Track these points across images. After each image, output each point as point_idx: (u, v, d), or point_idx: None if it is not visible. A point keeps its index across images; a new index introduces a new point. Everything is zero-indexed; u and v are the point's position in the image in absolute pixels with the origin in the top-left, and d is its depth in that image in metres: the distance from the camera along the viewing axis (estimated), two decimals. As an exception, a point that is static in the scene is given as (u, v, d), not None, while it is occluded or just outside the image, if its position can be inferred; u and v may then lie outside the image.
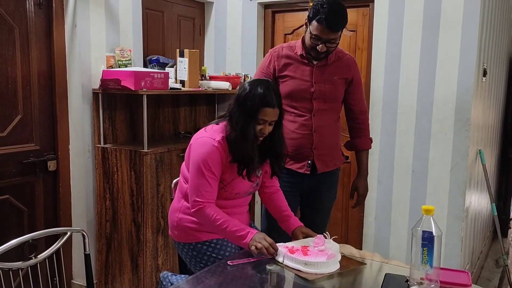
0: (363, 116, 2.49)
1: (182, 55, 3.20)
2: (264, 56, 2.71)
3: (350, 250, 1.97)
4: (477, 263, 3.77)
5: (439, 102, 3.05)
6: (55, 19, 2.79)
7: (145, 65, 3.31)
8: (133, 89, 2.74)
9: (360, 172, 2.52)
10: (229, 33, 3.84)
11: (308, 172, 2.37)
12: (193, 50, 3.25)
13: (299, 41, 2.35)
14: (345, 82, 2.38)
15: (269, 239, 1.81)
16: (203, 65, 3.84)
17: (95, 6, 2.91)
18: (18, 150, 2.69)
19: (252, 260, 1.80)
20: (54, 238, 1.89)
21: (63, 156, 2.93)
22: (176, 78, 3.25)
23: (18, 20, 2.62)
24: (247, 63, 3.77)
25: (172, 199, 2.15)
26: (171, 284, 1.90)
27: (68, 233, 1.88)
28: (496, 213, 3.67)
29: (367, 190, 2.55)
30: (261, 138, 1.91)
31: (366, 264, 1.85)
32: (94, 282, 3.05)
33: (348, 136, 2.54)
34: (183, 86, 3.20)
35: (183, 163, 2.04)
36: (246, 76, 3.65)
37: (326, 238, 1.85)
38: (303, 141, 2.34)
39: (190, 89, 3.21)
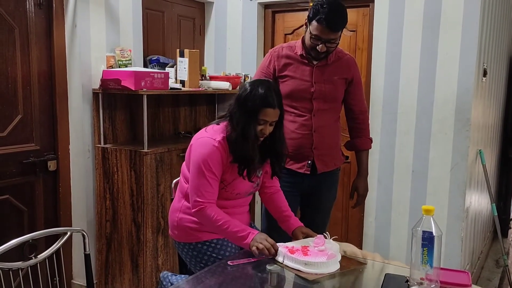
0: (363, 116, 2.49)
1: (182, 55, 3.20)
2: (264, 56, 2.71)
3: (352, 249, 1.97)
4: (477, 263, 3.77)
5: (439, 102, 3.05)
6: (55, 19, 2.79)
7: (145, 65, 3.31)
8: (133, 89, 2.74)
9: (360, 172, 2.52)
10: (229, 33, 3.84)
11: (308, 172, 2.37)
12: (193, 50, 3.25)
13: (299, 41, 2.35)
14: (345, 82, 2.38)
15: (270, 240, 1.81)
16: (203, 65, 3.84)
17: (95, 6, 2.91)
18: (18, 150, 2.69)
19: (252, 260, 1.80)
20: (54, 238, 1.89)
21: (63, 156, 2.93)
22: (176, 78, 3.25)
23: (18, 20, 2.62)
24: (247, 63, 3.77)
25: (172, 199, 2.15)
26: (171, 284, 1.90)
27: (68, 233, 1.88)
28: (496, 213, 3.67)
29: (367, 190, 2.55)
30: (261, 139, 1.91)
31: (366, 264, 1.85)
32: (94, 282, 3.05)
33: (348, 136, 2.54)
34: (183, 86, 3.21)
35: (184, 163, 2.04)
36: (246, 76, 3.65)
37: (326, 238, 1.85)
38: (303, 141, 2.33)
39: (190, 89, 3.21)
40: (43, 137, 2.83)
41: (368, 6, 3.32)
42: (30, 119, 2.74)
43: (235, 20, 3.80)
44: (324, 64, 2.33)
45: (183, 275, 2.00)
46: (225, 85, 3.40)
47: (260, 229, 2.12)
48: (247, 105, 1.84)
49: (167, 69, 3.24)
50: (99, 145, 2.97)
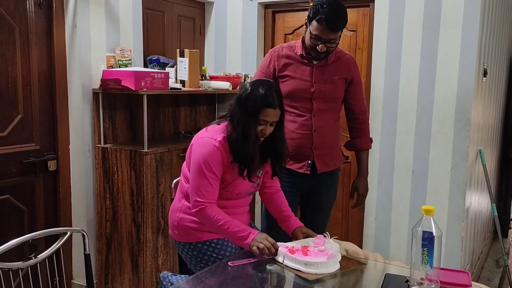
0: (363, 116, 2.49)
1: (182, 55, 3.20)
2: (264, 56, 2.71)
3: (353, 248, 1.97)
4: (478, 263, 3.77)
5: (439, 102, 3.05)
6: (55, 19, 2.79)
7: (145, 65, 3.31)
8: (133, 89, 2.74)
9: (360, 172, 2.52)
10: (230, 33, 3.84)
11: (308, 172, 2.37)
12: (194, 50, 3.25)
13: (299, 41, 2.34)
14: (345, 82, 2.38)
15: (270, 239, 1.81)
16: (203, 65, 3.84)
17: (95, 6, 2.91)
18: (18, 150, 2.69)
19: (253, 261, 1.80)
20: (54, 238, 1.89)
21: (63, 156, 2.93)
22: (176, 78, 3.25)
23: (18, 20, 2.62)
24: (247, 63, 3.77)
25: (172, 199, 2.15)
26: (171, 284, 1.90)
27: (68, 233, 1.88)
28: (496, 213, 3.67)
29: (367, 190, 2.55)
30: (262, 139, 1.91)
31: (366, 264, 1.85)
32: (94, 282, 3.05)
33: (348, 136, 2.54)
34: (183, 86, 3.20)
35: (184, 163, 2.04)
36: (246, 76, 3.65)
37: (326, 238, 1.85)
38: (303, 141, 2.33)
39: (190, 89, 3.21)
40: (43, 137, 2.83)
41: (368, 6, 3.32)
42: (30, 119, 2.74)
43: (235, 20, 3.80)
44: (324, 64, 2.33)
45: (183, 275, 2.00)
46: (225, 85, 3.40)
47: (260, 229, 2.12)
48: (248, 105, 1.84)
49: (167, 69, 3.24)
50: (99, 145, 2.97)
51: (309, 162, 2.36)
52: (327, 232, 1.90)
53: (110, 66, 2.97)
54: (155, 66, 3.33)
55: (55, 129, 2.89)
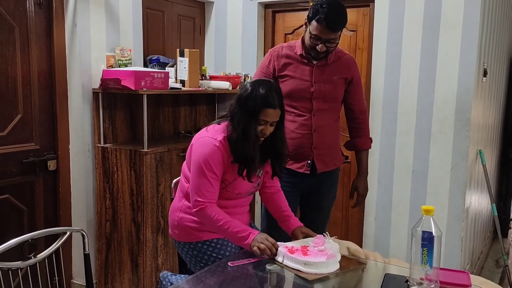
0: (363, 116, 2.49)
1: (182, 54, 3.20)
2: (264, 56, 2.71)
3: (354, 246, 1.97)
4: (477, 263, 3.77)
5: (439, 102, 3.05)
6: (55, 19, 2.79)
7: (145, 65, 3.31)
8: (133, 88, 2.74)
9: (360, 172, 2.52)
10: (230, 33, 3.84)
11: (308, 172, 2.37)
12: (193, 50, 3.25)
13: (299, 41, 2.34)
14: (344, 81, 2.38)
15: (271, 240, 1.81)
16: (203, 65, 3.84)
17: (95, 6, 2.91)
18: (18, 149, 2.69)
19: (252, 261, 1.80)
20: (53, 237, 1.89)
21: (63, 155, 2.93)
22: (176, 78, 3.25)
23: (18, 20, 2.62)
24: (247, 63, 3.77)
25: (172, 199, 2.15)
26: (171, 283, 1.90)
27: (68, 233, 1.88)
28: (496, 213, 3.67)
29: (367, 190, 2.55)
30: (262, 139, 1.91)
31: (366, 264, 1.85)
32: (94, 281, 3.05)
33: (348, 136, 2.54)
34: (183, 85, 3.20)
35: (184, 163, 2.04)
36: (246, 76, 3.65)
37: (326, 238, 1.85)
38: (302, 141, 2.33)
39: (190, 88, 3.21)
40: (43, 136, 2.83)
41: (368, 6, 3.32)
42: (30, 119, 2.74)
43: (235, 19, 3.80)
44: (324, 64, 2.33)
45: (183, 275, 2.00)
46: (225, 85, 3.40)
47: (260, 229, 2.12)
48: (248, 105, 1.84)
49: (167, 69, 3.24)
50: (99, 145, 2.97)
51: (309, 162, 2.36)
52: (326, 232, 1.90)
53: (110, 66, 2.97)
54: (155, 66, 3.33)
55: (55, 129, 2.89)
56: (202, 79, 3.45)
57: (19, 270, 1.73)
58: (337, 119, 2.45)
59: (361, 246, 3.39)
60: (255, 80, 1.97)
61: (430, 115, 3.09)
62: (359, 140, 2.49)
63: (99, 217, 3.03)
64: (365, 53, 3.38)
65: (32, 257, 1.76)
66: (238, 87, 3.48)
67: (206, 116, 3.88)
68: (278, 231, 2.04)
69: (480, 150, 3.42)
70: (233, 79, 3.51)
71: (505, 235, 4.71)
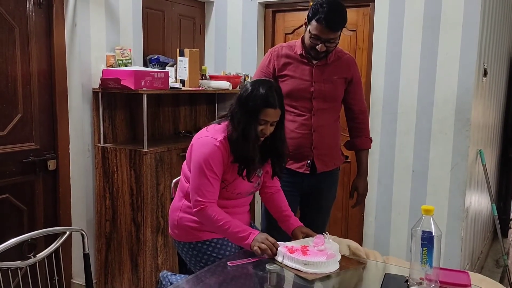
0: (363, 116, 2.49)
1: (182, 54, 3.20)
2: (264, 55, 2.71)
3: (355, 245, 1.97)
4: (477, 263, 3.77)
5: (439, 102, 3.05)
6: (55, 18, 2.79)
7: (145, 65, 3.31)
8: (133, 88, 2.74)
9: (360, 171, 2.52)
10: (230, 33, 3.84)
11: (308, 172, 2.37)
12: (194, 50, 3.25)
13: (299, 40, 2.34)
14: (344, 81, 2.38)
15: (271, 239, 1.81)
16: (203, 65, 3.84)
17: (95, 6, 2.91)
18: (18, 149, 2.69)
19: (252, 260, 1.79)
20: (53, 237, 1.89)
21: (63, 155, 2.93)
22: (176, 78, 3.24)
23: (18, 20, 2.62)
24: (247, 62, 3.77)
25: (172, 199, 2.15)
26: (171, 283, 1.90)
27: (67, 233, 1.88)
28: (496, 213, 3.67)
29: (367, 190, 2.55)
30: (262, 139, 1.91)
31: (365, 264, 1.85)
32: (94, 281, 3.05)
33: (348, 135, 2.54)
34: (183, 85, 3.20)
35: (184, 163, 2.04)
36: (246, 75, 3.65)
37: (326, 238, 1.85)
38: (302, 141, 2.33)
39: (190, 88, 3.21)
40: (43, 136, 2.83)
41: (369, 6, 3.32)
42: (30, 118, 2.74)
43: (236, 19, 3.80)
44: (323, 64, 2.33)
45: (182, 275, 2.00)
46: (225, 84, 3.40)
47: (260, 229, 2.12)
48: (248, 105, 1.84)
49: (167, 69, 3.24)
50: (99, 145, 2.97)
51: (309, 161, 2.36)
52: (326, 232, 1.90)
53: (110, 66, 2.97)
54: (155, 65, 3.33)
55: (55, 129, 2.89)
56: (202, 79, 3.45)
57: (19, 270, 1.73)
58: (337, 119, 2.45)
59: (361, 246, 3.39)
60: (255, 80, 1.97)
61: (430, 115, 3.09)
62: (359, 140, 2.49)
63: (99, 217, 3.03)
64: (365, 53, 3.38)
65: (32, 256, 1.76)
66: (238, 87, 3.48)
67: (206, 116, 3.88)
68: (278, 231, 2.04)
69: (480, 150, 3.42)
70: (233, 79, 3.51)
71: (505, 235, 4.71)
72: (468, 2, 2.90)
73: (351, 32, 3.41)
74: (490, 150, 4.01)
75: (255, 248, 1.78)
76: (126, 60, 3.02)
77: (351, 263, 1.81)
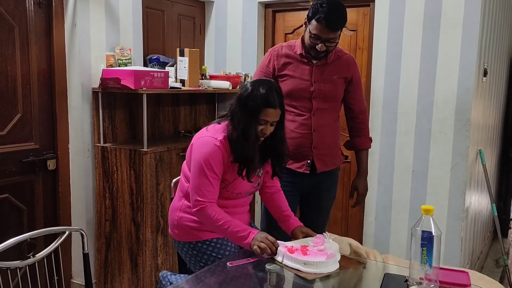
0: (363, 116, 2.49)
1: (182, 54, 3.19)
2: (264, 55, 2.70)
3: (355, 243, 1.97)
4: (477, 263, 3.77)
5: (439, 102, 3.05)
6: (55, 18, 2.79)
7: (145, 64, 3.31)
8: (133, 88, 2.74)
9: (359, 171, 2.52)
10: (230, 32, 3.83)
11: (308, 172, 2.37)
12: (193, 49, 3.25)
13: (299, 40, 2.34)
14: (344, 81, 2.38)
15: (271, 238, 1.81)
16: (204, 64, 3.84)
17: (95, 5, 2.90)
18: (17, 149, 2.69)
19: (252, 260, 1.79)
20: (53, 237, 1.89)
21: (62, 155, 2.93)
22: (176, 77, 3.24)
23: (18, 19, 2.62)
24: (247, 62, 3.77)
25: (171, 199, 2.15)
26: (170, 283, 1.90)
27: (67, 232, 1.88)
28: (496, 213, 3.67)
29: (367, 190, 2.55)
30: (262, 138, 1.91)
31: (365, 264, 1.85)
32: (94, 281, 3.05)
33: (348, 135, 2.54)
34: (183, 85, 3.20)
35: (184, 162, 2.04)
36: (246, 75, 3.65)
37: (326, 238, 1.85)
38: (302, 141, 2.33)
39: (190, 88, 3.21)
40: (42, 136, 2.83)
41: (369, 5, 3.32)
42: (29, 118, 2.74)
43: (236, 19, 3.79)
44: (323, 64, 2.33)
45: (182, 275, 2.00)
46: (225, 84, 3.40)
47: (260, 229, 2.11)
48: (248, 105, 1.84)
49: (167, 68, 3.24)
50: (98, 144, 2.97)
51: (309, 161, 2.35)
52: (326, 232, 1.90)
53: (109, 65, 2.97)
54: (155, 65, 3.33)
55: (55, 128, 2.88)
56: (202, 79, 3.45)
57: (18, 270, 1.73)
58: (337, 118, 2.45)
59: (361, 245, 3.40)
60: (255, 80, 1.97)
61: (430, 115, 3.08)
62: (358, 139, 2.49)
63: (98, 216, 3.03)
64: (365, 53, 3.38)
65: (31, 256, 1.76)
66: (238, 86, 3.48)
67: (206, 116, 3.88)
68: (278, 231, 2.03)
69: (480, 150, 3.42)
70: (233, 79, 3.51)
71: (505, 235, 4.70)
72: (468, 2, 2.90)
73: (351, 32, 3.41)
74: (490, 150, 4.01)
75: (255, 247, 1.78)
76: (126, 59, 3.02)
77: (351, 263, 1.81)
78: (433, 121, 3.08)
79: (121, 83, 2.76)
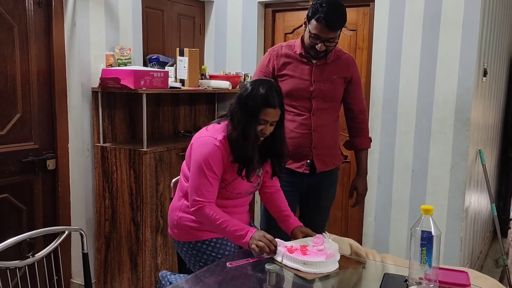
0: (362, 116, 2.49)
1: (182, 54, 3.19)
2: (264, 55, 2.70)
3: (356, 244, 1.97)
4: (477, 263, 3.77)
5: (439, 102, 3.05)
6: (54, 18, 2.78)
7: (145, 64, 3.31)
8: (132, 88, 2.74)
9: (359, 171, 2.52)
10: (229, 32, 3.83)
11: (307, 172, 2.36)
12: (193, 49, 3.24)
13: (298, 40, 2.34)
14: (344, 81, 2.38)
15: (268, 236, 1.81)
16: (203, 64, 3.84)
17: (94, 5, 2.90)
18: (17, 148, 2.69)
19: (251, 261, 1.79)
20: (53, 237, 1.88)
21: (62, 155, 2.93)
22: (176, 77, 3.24)
23: (17, 19, 2.62)
24: (247, 62, 3.77)
25: (171, 199, 2.15)
26: (170, 283, 1.90)
27: (66, 232, 1.87)
28: (496, 213, 3.67)
29: (367, 190, 2.55)
30: (262, 138, 1.91)
31: (365, 264, 1.85)
32: (93, 281, 3.05)
33: (348, 135, 2.54)
34: (183, 85, 3.20)
35: (184, 162, 2.04)
36: (246, 75, 3.65)
37: (325, 238, 1.85)
38: (302, 141, 2.33)
39: (190, 88, 3.21)
40: (42, 135, 2.83)
41: (368, 5, 3.31)
42: (29, 118, 2.73)
43: (235, 19, 3.79)
44: (323, 63, 2.33)
45: (182, 274, 2.00)
46: (225, 84, 3.40)
47: (259, 229, 2.11)
48: (248, 105, 1.84)
49: (167, 68, 3.24)
50: (98, 144, 2.97)
51: (308, 161, 2.35)
52: (326, 232, 1.90)
53: (109, 65, 2.97)
54: (155, 65, 3.33)
55: (54, 128, 2.88)
56: (201, 79, 3.45)
57: (17, 270, 1.72)
58: (337, 118, 2.45)
59: (360, 245, 3.39)
60: (255, 80, 1.97)
61: (430, 114, 3.08)
62: (358, 139, 2.49)
63: (98, 216, 3.03)
64: (365, 53, 3.38)
65: (31, 256, 1.76)
66: (238, 86, 3.48)
67: (205, 116, 3.87)
68: (278, 231, 2.03)
69: (480, 150, 3.42)
70: (233, 79, 3.50)
71: (504, 235, 4.69)
72: (468, 1, 2.89)
73: (351, 31, 3.41)
74: (490, 150, 4.00)
75: (253, 246, 1.78)
76: (125, 59, 3.02)
77: (351, 263, 1.81)
78: (433, 121, 3.08)
79: (121, 82, 2.76)
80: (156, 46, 3.47)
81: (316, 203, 2.47)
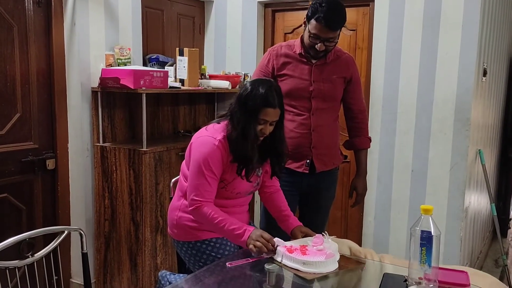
0: (362, 115, 2.49)
1: (181, 53, 3.19)
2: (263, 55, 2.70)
3: (356, 246, 1.97)
4: (477, 263, 3.77)
5: (439, 101, 3.05)
6: (54, 17, 2.78)
7: (144, 64, 3.30)
8: (132, 87, 2.74)
9: (359, 171, 2.52)
10: (229, 32, 3.83)
11: (307, 172, 2.36)
12: (193, 49, 3.24)
13: (298, 39, 2.34)
14: (343, 81, 2.38)
15: (266, 236, 1.80)
16: (203, 64, 3.84)
17: (94, 4, 2.90)
18: (17, 148, 2.68)
19: (251, 261, 1.79)
20: (52, 236, 1.88)
21: (62, 154, 2.92)
22: (175, 77, 3.24)
23: (17, 18, 2.61)
24: (247, 62, 3.77)
25: (171, 198, 2.15)
26: (170, 283, 1.90)
27: (66, 232, 1.87)
28: (495, 213, 3.66)
29: (366, 189, 2.55)
30: (261, 138, 1.91)
31: (364, 263, 1.85)
32: (93, 281, 3.04)
33: (347, 135, 2.54)
34: (183, 85, 3.20)
35: (183, 162, 2.04)
36: (246, 75, 3.65)
37: (325, 238, 1.85)
38: (301, 140, 2.33)
39: (190, 88, 3.21)
40: (41, 135, 2.82)
41: (368, 5, 3.31)
42: (28, 118, 2.73)
43: (235, 19, 3.79)
44: (323, 63, 2.32)
45: (181, 274, 1.99)
46: (225, 84, 3.40)
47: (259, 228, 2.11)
48: (248, 105, 1.84)
49: (167, 68, 3.24)
50: (98, 144, 2.97)
51: (308, 161, 2.35)
52: (325, 232, 1.90)
53: (109, 65, 2.96)
54: (155, 65, 3.32)
55: (54, 128, 2.88)
56: (201, 78, 3.44)
57: (17, 270, 1.72)
58: (336, 118, 2.45)
59: (360, 246, 3.38)
60: (255, 80, 1.97)
61: (429, 114, 3.08)
62: (358, 139, 2.49)
63: (98, 216, 3.03)
64: (365, 53, 3.38)
65: (30, 256, 1.75)
66: (237, 86, 3.48)
67: (205, 115, 3.87)
68: (278, 231, 2.03)
69: (479, 149, 3.42)
70: (232, 78, 3.50)
71: (504, 235, 4.69)
72: (468, 1, 2.89)
73: (351, 31, 3.41)
74: (489, 150, 4.00)
75: (250, 246, 1.78)
76: (125, 59, 3.02)
77: (350, 263, 1.81)
78: (432, 120, 3.08)
79: (121, 82, 2.76)
80: (156, 46, 3.47)
81: (315, 203, 2.47)
